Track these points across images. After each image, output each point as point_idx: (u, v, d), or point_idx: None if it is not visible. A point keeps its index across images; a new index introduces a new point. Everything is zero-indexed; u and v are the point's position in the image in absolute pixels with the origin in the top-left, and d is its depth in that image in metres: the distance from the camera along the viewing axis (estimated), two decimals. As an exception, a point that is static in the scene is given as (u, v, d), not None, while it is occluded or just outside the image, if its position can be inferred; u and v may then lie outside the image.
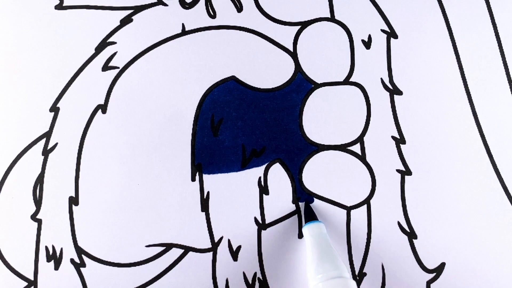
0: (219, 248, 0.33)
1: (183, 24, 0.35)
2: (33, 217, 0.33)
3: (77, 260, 0.33)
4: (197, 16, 0.35)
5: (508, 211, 0.33)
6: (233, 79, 0.35)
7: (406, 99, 0.34)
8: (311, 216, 0.32)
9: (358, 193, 0.33)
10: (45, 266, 0.33)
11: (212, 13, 0.35)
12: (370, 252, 0.33)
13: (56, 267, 0.33)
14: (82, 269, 0.33)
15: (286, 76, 0.35)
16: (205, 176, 0.33)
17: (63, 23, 0.35)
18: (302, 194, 0.33)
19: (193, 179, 0.33)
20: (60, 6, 0.35)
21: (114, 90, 0.34)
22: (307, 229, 0.31)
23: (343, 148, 0.34)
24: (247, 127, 0.34)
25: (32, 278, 0.33)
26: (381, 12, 0.35)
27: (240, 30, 0.35)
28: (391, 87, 0.35)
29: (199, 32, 0.35)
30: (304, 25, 0.35)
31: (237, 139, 0.34)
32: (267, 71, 0.35)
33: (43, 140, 0.34)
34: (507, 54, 0.35)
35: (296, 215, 0.33)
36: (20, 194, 0.33)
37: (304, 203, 0.33)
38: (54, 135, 0.34)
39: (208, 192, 0.33)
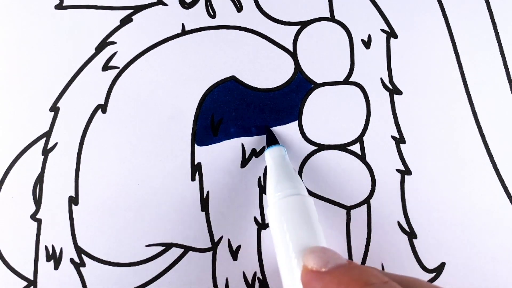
0: (219, 247, 0.33)
1: (183, 24, 0.35)
2: (33, 216, 0.33)
3: (77, 260, 0.33)
4: (197, 16, 0.35)
5: (508, 211, 0.33)
6: (233, 79, 0.35)
7: (406, 99, 0.34)
8: (273, 141, 0.32)
9: (358, 192, 0.33)
10: (45, 266, 0.33)
11: (212, 13, 0.35)
12: (370, 252, 0.33)
13: (56, 267, 0.33)
14: (82, 268, 0.33)
15: (286, 76, 0.35)
16: (205, 176, 0.33)
17: (63, 23, 0.35)
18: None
19: (193, 179, 0.33)
20: (60, 6, 0.35)
21: (114, 90, 0.34)
22: (268, 152, 0.32)
23: (343, 147, 0.34)
24: (247, 127, 0.34)
25: (32, 277, 0.33)
26: (381, 12, 0.35)
27: (240, 30, 0.35)
28: (391, 87, 0.35)
29: (199, 32, 0.35)
30: (303, 25, 0.35)
31: (237, 139, 0.34)
32: (267, 71, 0.35)
33: (43, 140, 0.34)
34: (507, 54, 0.35)
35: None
36: (20, 194, 0.33)
37: (266, 129, 0.33)
38: (54, 134, 0.34)
39: (208, 192, 0.33)
